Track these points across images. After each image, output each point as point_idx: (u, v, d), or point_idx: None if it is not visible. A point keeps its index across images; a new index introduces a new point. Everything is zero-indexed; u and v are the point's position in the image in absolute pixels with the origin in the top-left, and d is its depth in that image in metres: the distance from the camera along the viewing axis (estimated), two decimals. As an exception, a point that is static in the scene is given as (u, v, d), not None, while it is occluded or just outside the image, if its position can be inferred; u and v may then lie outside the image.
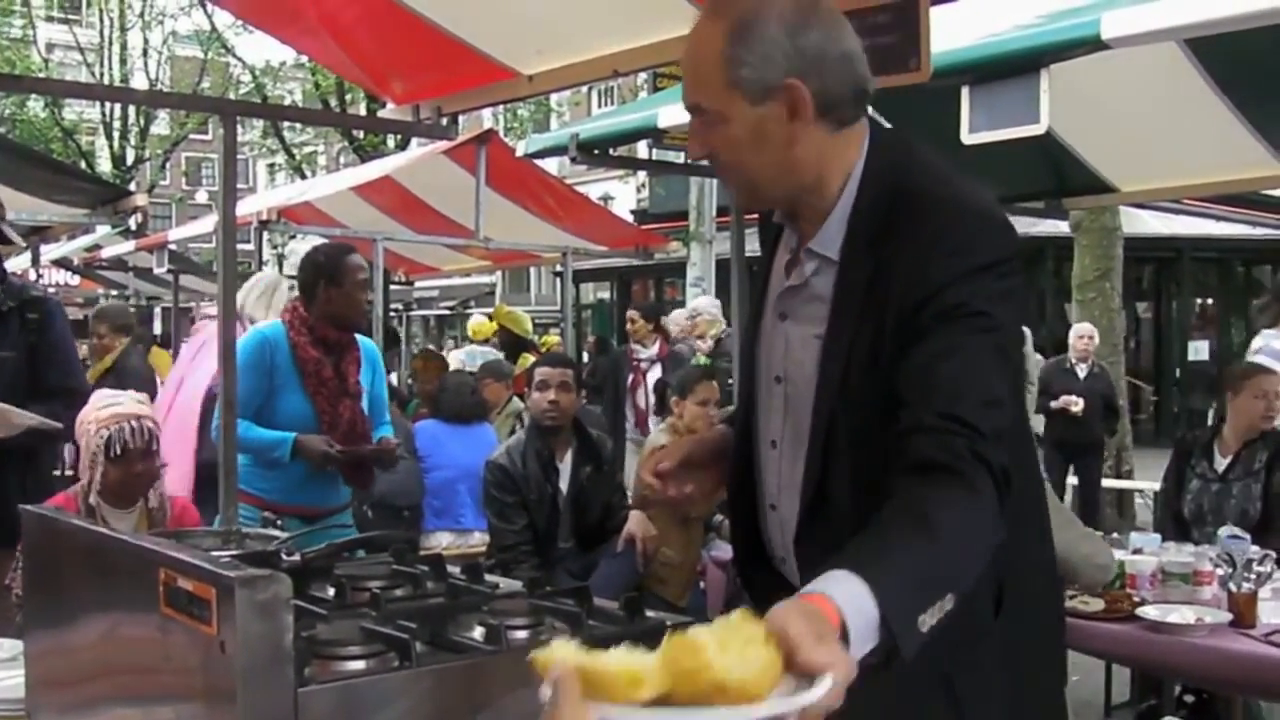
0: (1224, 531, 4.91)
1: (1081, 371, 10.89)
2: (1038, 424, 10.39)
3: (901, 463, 1.96)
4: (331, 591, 2.35)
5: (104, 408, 4.20)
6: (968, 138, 3.80)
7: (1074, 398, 10.72)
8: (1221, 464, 5.86)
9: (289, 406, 4.89)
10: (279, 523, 4.47)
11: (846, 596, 1.64)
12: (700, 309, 10.32)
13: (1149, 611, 4.39)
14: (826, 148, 2.19)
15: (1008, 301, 2.11)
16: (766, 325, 2.39)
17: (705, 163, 2.29)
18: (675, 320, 10.63)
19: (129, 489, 4.17)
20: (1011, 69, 3.67)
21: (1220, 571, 4.55)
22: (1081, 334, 11.15)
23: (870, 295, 2.14)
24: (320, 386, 4.94)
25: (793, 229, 2.33)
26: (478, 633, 2.07)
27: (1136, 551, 5.05)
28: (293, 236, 9.41)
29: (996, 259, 2.12)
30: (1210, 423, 7.42)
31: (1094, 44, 3.62)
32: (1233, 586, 4.39)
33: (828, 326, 2.20)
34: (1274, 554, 4.58)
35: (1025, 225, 16.28)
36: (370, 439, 5.07)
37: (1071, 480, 11.04)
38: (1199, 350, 23.26)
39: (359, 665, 1.91)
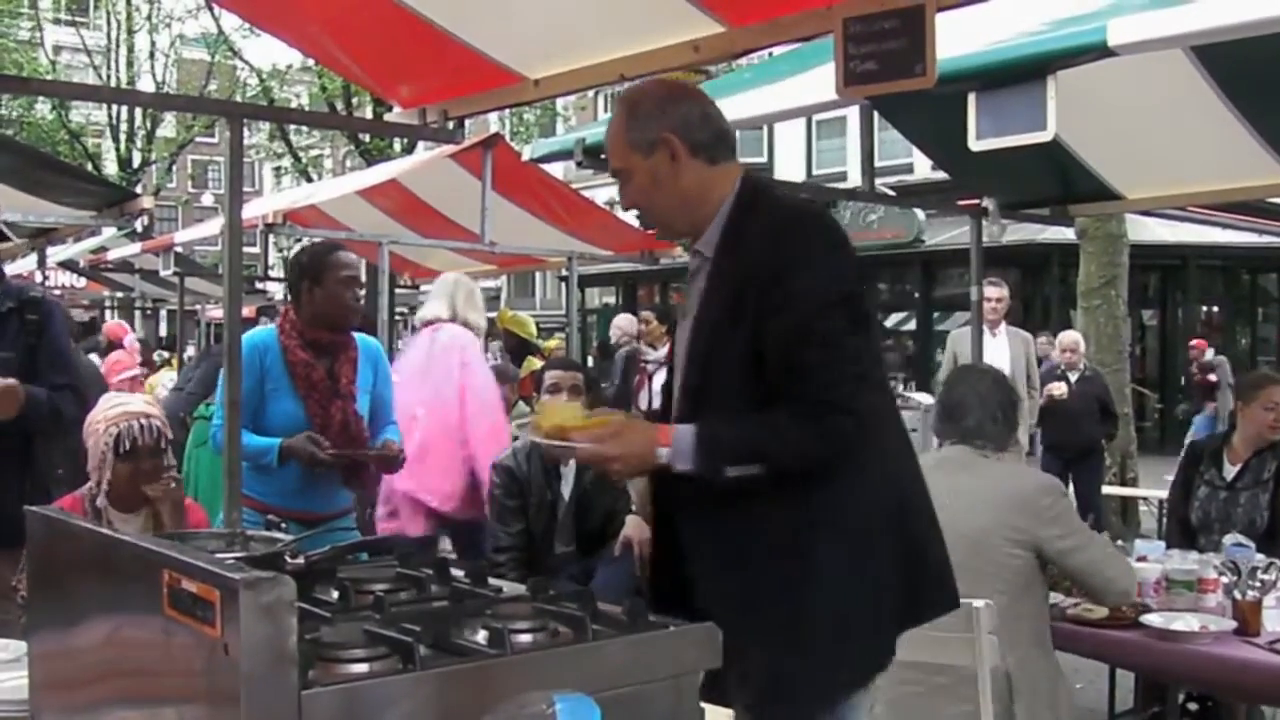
0: (1229, 539, 4.90)
1: (1072, 377, 10.89)
2: (1033, 428, 10.41)
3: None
4: (335, 594, 2.35)
5: (112, 408, 4.22)
6: (974, 144, 3.80)
7: (1058, 384, 10.78)
8: (1230, 471, 5.85)
9: (281, 410, 4.87)
10: (283, 525, 4.47)
11: (680, 430, 2.86)
12: None
13: (1153, 619, 4.39)
14: (706, 178, 3.03)
15: (846, 272, 2.94)
16: (679, 327, 3.19)
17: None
18: None
19: (136, 488, 4.17)
20: (1018, 75, 3.67)
21: (1225, 579, 4.55)
22: (1065, 346, 11.17)
23: (732, 278, 2.93)
24: (311, 389, 4.92)
25: (691, 249, 3.10)
26: (481, 636, 2.07)
27: (1141, 559, 5.04)
28: (299, 240, 9.40)
29: (833, 243, 2.96)
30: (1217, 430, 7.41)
31: (1101, 51, 3.62)
32: (1237, 594, 4.38)
33: (703, 299, 3.01)
34: (1278, 562, 4.58)
35: (1031, 232, 16.34)
36: (365, 441, 5.02)
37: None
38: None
39: (362, 668, 1.91)
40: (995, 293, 10.20)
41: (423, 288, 13.24)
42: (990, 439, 4.43)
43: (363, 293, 5.17)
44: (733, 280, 2.91)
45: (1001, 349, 10.09)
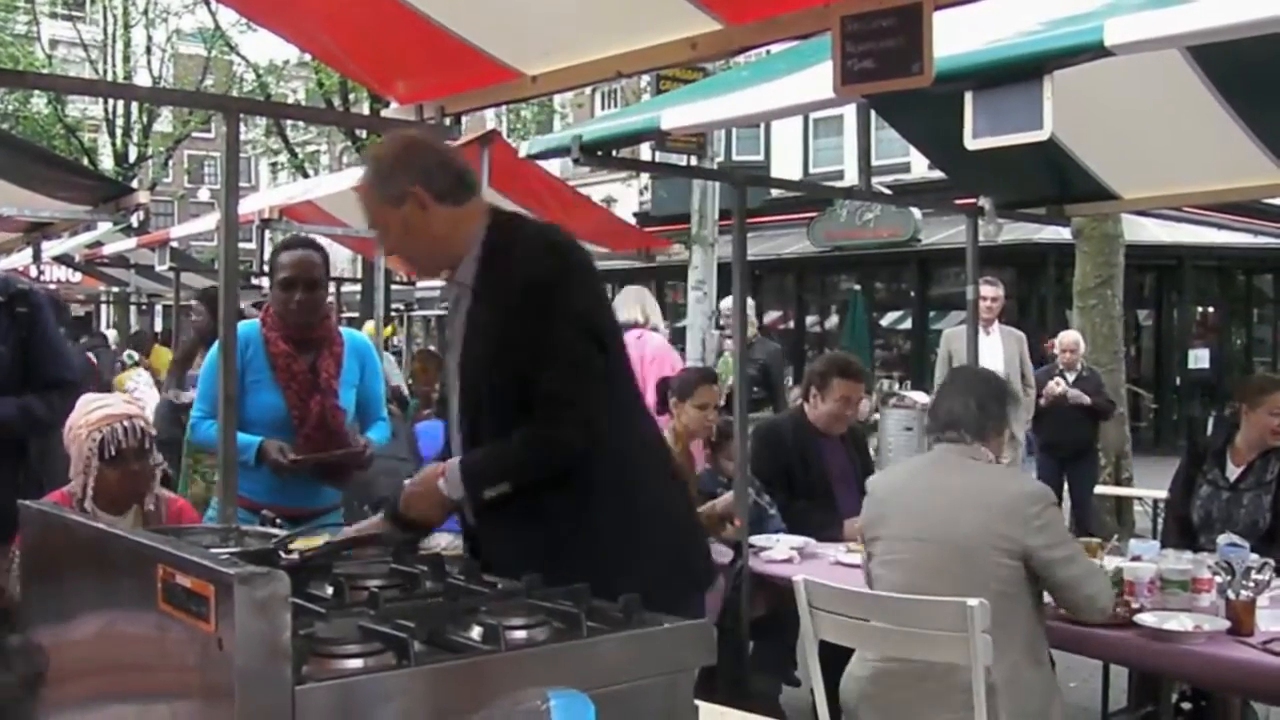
0: (1223, 539, 4.91)
1: (1070, 378, 10.89)
2: (1027, 429, 10.41)
3: (530, 421, 3.18)
4: (330, 590, 2.35)
5: (92, 411, 4.19)
6: (971, 143, 3.79)
7: (1057, 381, 10.80)
8: (1234, 472, 5.85)
9: (261, 402, 4.88)
10: (277, 521, 4.47)
11: (450, 464, 3.29)
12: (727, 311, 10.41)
13: (1147, 619, 4.39)
14: (454, 219, 3.29)
15: (588, 295, 3.31)
16: (449, 354, 3.50)
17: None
18: None
19: (125, 491, 4.16)
20: (1015, 75, 3.67)
21: (1219, 579, 4.55)
22: (1065, 346, 11.16)
23: (493, 307, 3.25)
24: (291, 381, 4.93)
25: (451, 281, 3.40)
26: (476, 632, 2.07)
27: (1135, 559, 5.05)
28: (294, 235, 9.39)
29: (575, 266, 3.29)
30: (1210, 430, 7.42)
31: (1098, 50, 3.61)
32: (1231, 594, 4.39)
33: (467, 321, 3.34)
34: (1273, 562, 4.58)
35: (1027, 232, 16.35)
36: (344, 435, 5.02)
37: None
38: (1199, 358, 23.28)
39: (357, 664, 1.91)
40: (991, 292, 10.20)
41: (419, 284, 13.22)
42: (969, 428, 4.40)
43: (311, 294, 5.02)
44: (493, 310, 3.25)
45: (995, 348, 10.09)
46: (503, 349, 3.23)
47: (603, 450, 3.24)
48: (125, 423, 4.13)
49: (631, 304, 8.13)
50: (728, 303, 11.00)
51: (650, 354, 7.72)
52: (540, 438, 3.22)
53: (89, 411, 4.19)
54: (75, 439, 4.13)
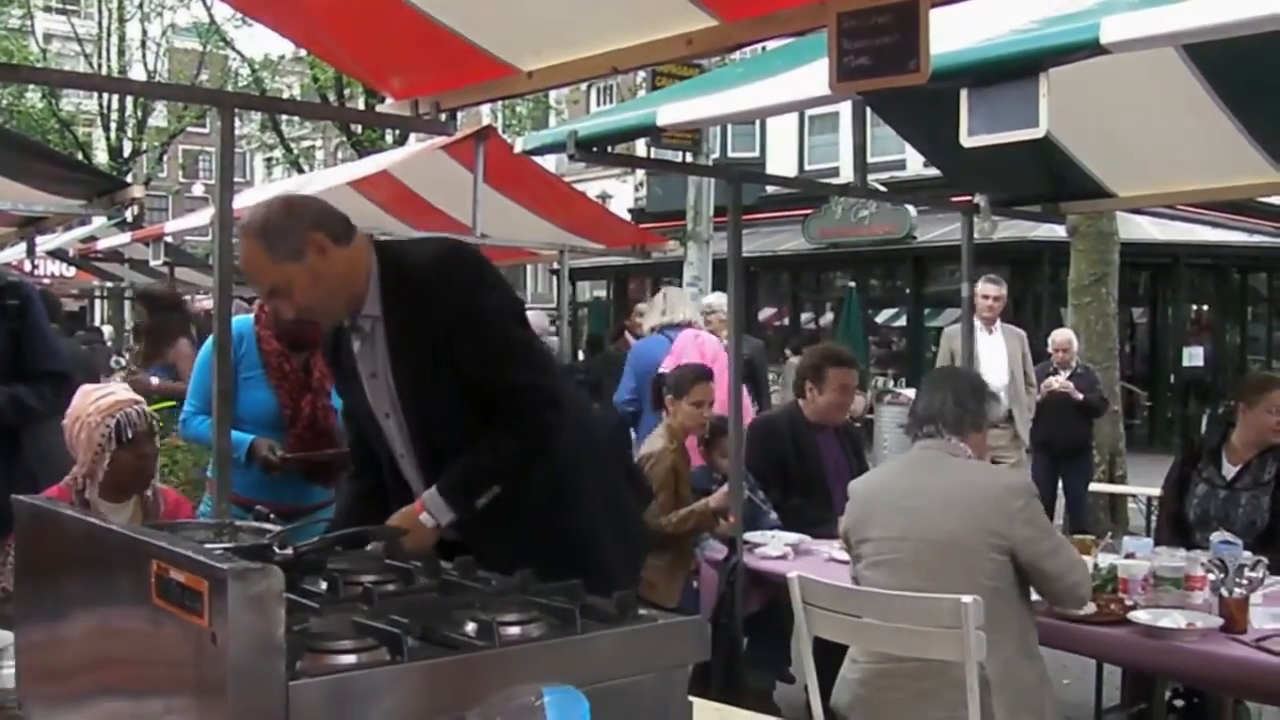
0: (1216, 537, 4.91)
1: (1064, 375, 10.88)
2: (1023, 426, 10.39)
3: (494, 414, 3.38)
4: (324, 585, 2.35)
5: (101, 398, 4.21)
6: (966, 140, 3.79)
7: (1055, 379, 10.82)
8: (1230, 471, 5.84)
9: (253, 399, 4.88)
10: (271, 516, 4.46)
11: (427, 495, 3.38)
12: (715, 305, 10.33)
13: (1140, 616, 4.40)
14: (351, 259, 3.34)
15: (508, 290, 3.52)
16: (368, 387, 3.52)
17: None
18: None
19: (138, 474, 4.20)
20: (1011, 72, 3.67)
21: (1212, 577, 4.56)
22: (1058, 345, 11.14)
23: (416, 326, 3.35)
24: (283, 379, 4.93)
25: (353, 321, 3.45)
26: (470, 628, 2.07)
27: (1129, 556, 5.06)
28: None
29: (488, 269, 3.45)
30: (1205, 428, 7.42)
31: (1093, 48, 3.61)
32: (1224, 592, 4.39)
33: (390, 351, 3.42)
34: (1266, 560, 4.59)
35: (1022, 229, 16.34)
36: (334, 436, 5.00)
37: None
38: (1194, 356, 23.29)
39: (350, 659, 1.90)
40: (993, 290, 10.15)
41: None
42: (947, 425, 4.41)
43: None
44: (418, 328, 3.35)
45: (998, 346, 10.04)
46: (446, 363, 3.36)
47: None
48: (135, 407, 4.19)
49: (684, 305, 8.77)
50: (711, 298, 11.01)
51: (710, 353, 8.05)
52: (519, 427, 3.41)
53: (96, 400, 4.20)
54: (84, 427, 4.14)
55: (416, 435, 3.49)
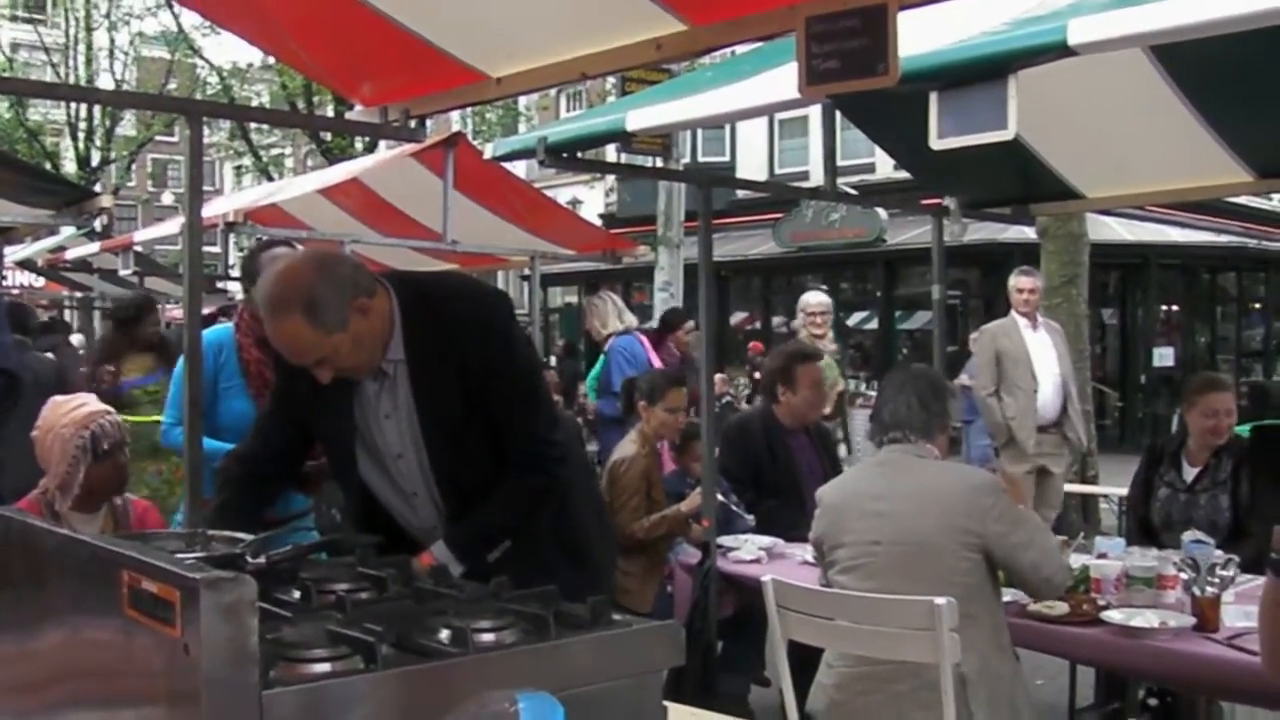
0: (1188, 536, 4.94)
1: None
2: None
3: (510, 466, 3.39)
4: (297, 594, 2.34)
5: (75, 409, 4.19)
6: (936, 143, 3.80)
7: None
8: (1190, 473, 5.88)
9: (234, 410, 4.79)
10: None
11: (436, 547, 3.32)
12: (822, 304, 10.42)
13: (1113, 616, 4.41)
14: (380, 310, 3.27)
15: (517, 330, 3.49)
16: (375, 428, 3.44)
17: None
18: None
19: (111, 485, 4.18)
20: (979, 75, 3.68)
21: (1184, 576, 4.57)
22: None
23: (446, 370, 3.31)
24: (264, 388, 4.86)
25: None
26: (444, 635, 2.06)
27: (1101, 556, 5.07)
28: (259, 239, 9.35)
29: (510, 311, 3.49)
30: (1175, 427, 7.45)
31: (1061, 50, 3.63)
32: (1196, 591, 4.41)
33: (416, 394, 3.35)
34: (1237, 558, 4.61)
35: (992, 231, 16.42)
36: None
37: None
38: (1164, 356, 23.42)
39: (324, 668, 1.90)
40: (1027, 282, 9.56)
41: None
42: (914, 428, 4.42)
43: None
44: (447, 373, 3.32)
45: (1045, 342, 9.52)
46: (472, 411, 3.34)
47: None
48: (108, 418, 4.17)
49: (620, 314, 9.33)
50: (810, 297, 10.86)
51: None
52: (534, 486, 3.45)
53: (70, 411, 4.18)
54: (58, 438, 4.12)
55: (441, 475, 3.44)
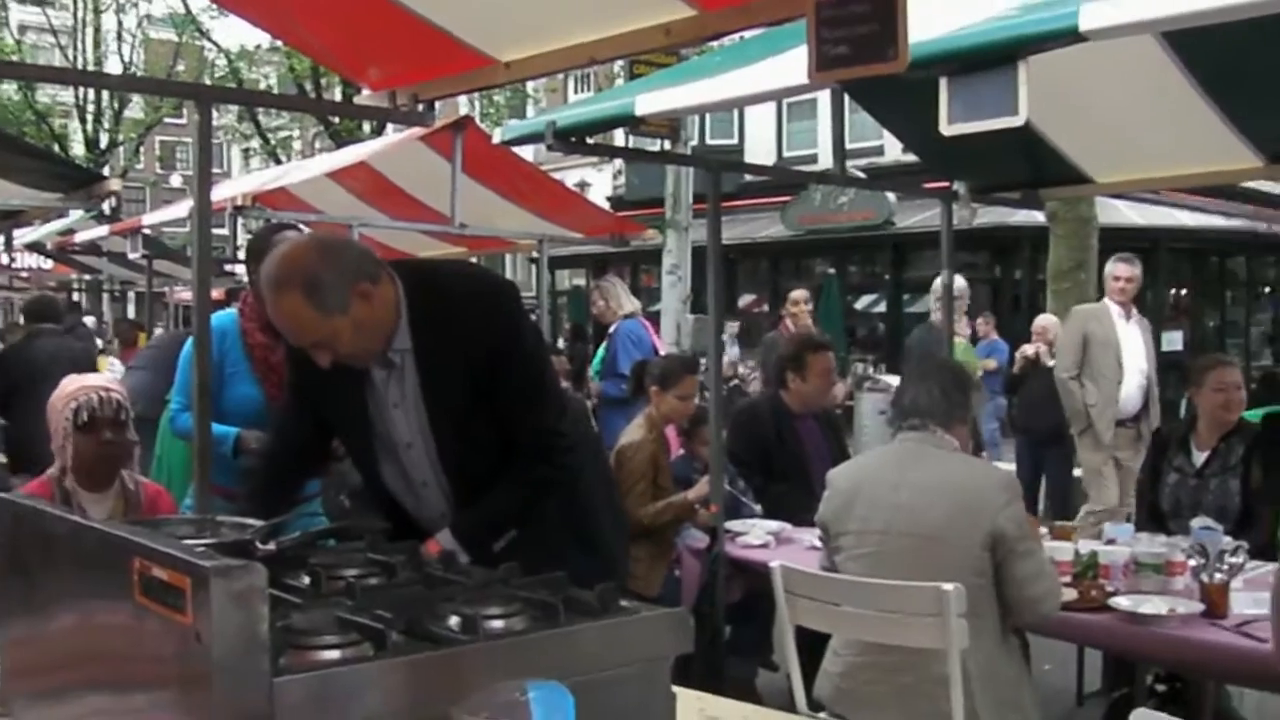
0: (1196, 523, 4.93)
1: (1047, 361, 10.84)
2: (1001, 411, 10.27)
3: (517, 456, 3.39)
4: (307, 580, 2.35)
5: (70, 384, 4.22)
6: (946, 129, 3.80)
7: (1030, 346, 10.84)
8: (1199, 458, 5.87)
9: (239, 395, 4.80)
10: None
11: (442, 535, 3.33)
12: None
13: (1121, 602, 4.42)
14: (385, 297, 3.24)
15: (528, 322, 3.47)
16: (385, 417, 3.43)
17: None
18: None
19: (100, 462, 4.16)
20: (990, 60, 3.67)
21: (1193, 562, 4.57)
22: (1036, 329, 11.13)
23: (453, 360, 3.29)
24: (269, 372, 4.86)
25: (382, 355, 3.34)
26: (454, 622, 2.07)
27: (1110, 542, 5.07)
28: (268, 222, 9.34)
29: (520, 304, 3.45)
30: (1184, 412, 7.43)
31: (1072, 36, 3.61)
32: (1205, 577, 4.41)
33: (423, 384, 3.34)
34: (1246, 545, 4.61)
35: (1001, 215, 16.36)
36: None
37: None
38: (1173, 341, 23.32)
39: (334, 655, 1.90)
40: (1126, 270, 9.09)
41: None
42: (934, 417, 4.37)
43: None
44: (456, 358, 3.30)
45: (1135, 335, 9.17)
46: (479, 401, 3.34)
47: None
48: (100, 393, 4.16)
49: (630, 296, 9.43)
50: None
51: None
52: (542, 476, 3.46)
53: (69, 385, 4.20)
54: (54, 413, 4.15)
55: (449, 464, 3.45)
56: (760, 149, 27.46)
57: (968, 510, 4.11)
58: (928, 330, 11.11)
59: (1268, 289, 27.06)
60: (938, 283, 9.39)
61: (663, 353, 8.96)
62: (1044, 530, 5.38)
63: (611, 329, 9.53)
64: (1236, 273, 26.24)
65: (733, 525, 5.92)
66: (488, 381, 3.31)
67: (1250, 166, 6.15)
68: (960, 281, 10.61)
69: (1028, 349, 10.80)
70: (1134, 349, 8.90)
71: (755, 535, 5.85)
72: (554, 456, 3.48)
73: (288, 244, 3.35)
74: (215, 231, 5.25)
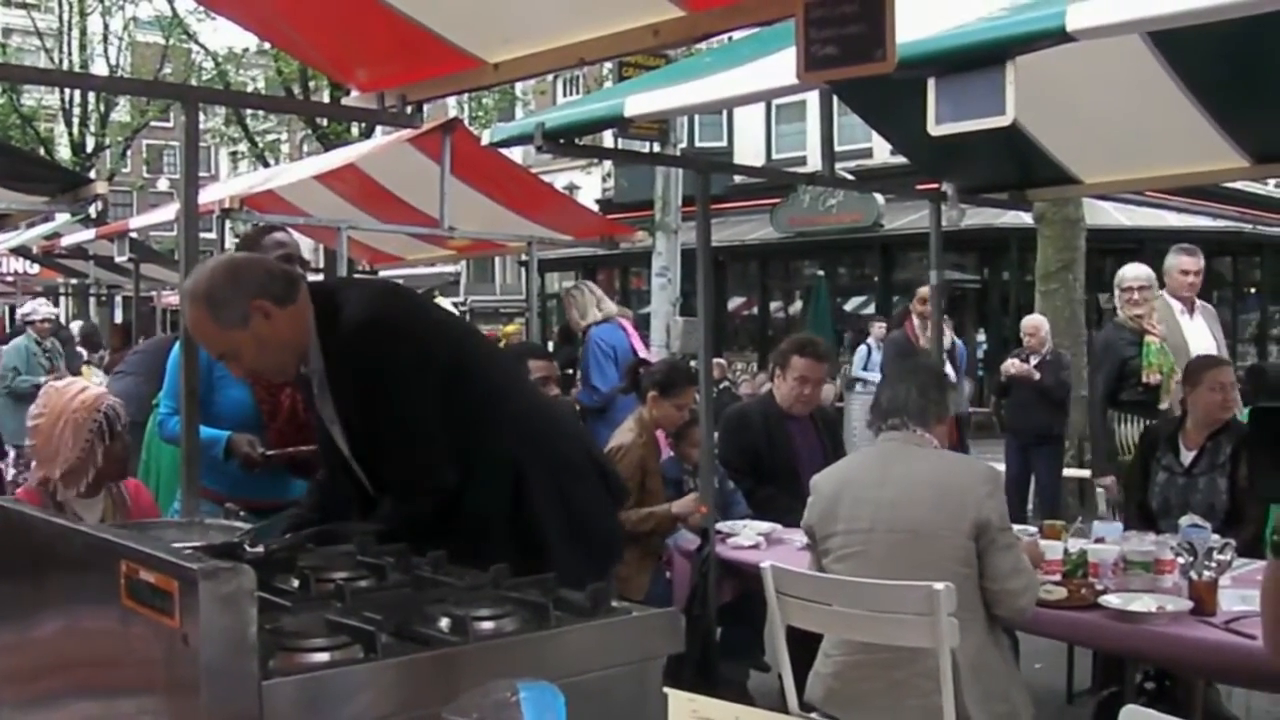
0: (1185, 521, 4.94)
1: (1034, 361, 10.84)
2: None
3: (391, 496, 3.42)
4: (295, 583, 2.34)
5: (79, 393, 4.17)
6: (934, 129, 3.79)
7: (1013, 362, 10.78)
8: (1187, 457, 5.89)
9: (229, 398, 4.79)
10: (241, 514, 4.44)
11: None
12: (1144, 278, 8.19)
13: (1111, 600, 4.42)
14: (294, 317, 3.37)
15: (400, 374, 3.36)
16: (333, 433, 3.56)
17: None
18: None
19: (120, 467, 4.21)
20: (977, 60, 3.67)
21: (1181, 560, 4.58)
22: (1029, 330, 11.12)
23: (345, 388, 3.42)
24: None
25: (302, 373, 3.55)
26: (443, 624, 2.06)
27: (1099, 540, 5.08)
28: (255, 225, 9.32)
29: (404, 335, 3.41)
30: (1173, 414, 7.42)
31: (1059, 36, 3.61)
32: (1193, 575, 4.42)
33: (336, 405, 3.47)
34: (1234, 542, 4.62)
35: (990, 216, 16.40)
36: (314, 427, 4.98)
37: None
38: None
39: (323, 657, 1.90)
40: (1191, 263, 8.07)
41: (381, 273, 13.17)
42: (912, 416, 4.41)
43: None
44: (346, 390, 3.43)
45: (1203, 332, 8.02)
46: (363, 431, 3.47)
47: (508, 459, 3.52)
48: (111, 400, 4.19)
49: (599, 303, 9.22)
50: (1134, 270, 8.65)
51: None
52: (399, 514, 3.35)
53: (76, 395, 4.15)
54: (70, 423, 4.08)
55: (376, 483, 3.55)
56: (749, 151, 27.49)
57: (952, 501, 4.14)
58: (901, 339, 11.34)
59: (1253, 289, 27.14)
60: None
61: (643, 355, 8.90)
62: (1033, 530, 5.40)
63: (584, 337, 9.50)
64: (1223, 273, 26.29)
65: (723, 526, 5.92)
66: (364, 417, 3.43)
67: (1236, 166, 6.16)
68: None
69: (1010, 366, 10.78)
70: (1202, 345, 7.75)
71: (746, 536, 5.84)
72: (415, 499, 3.41)
73: (208, 260, 3.57)
74: (203, 235, 5.24)
